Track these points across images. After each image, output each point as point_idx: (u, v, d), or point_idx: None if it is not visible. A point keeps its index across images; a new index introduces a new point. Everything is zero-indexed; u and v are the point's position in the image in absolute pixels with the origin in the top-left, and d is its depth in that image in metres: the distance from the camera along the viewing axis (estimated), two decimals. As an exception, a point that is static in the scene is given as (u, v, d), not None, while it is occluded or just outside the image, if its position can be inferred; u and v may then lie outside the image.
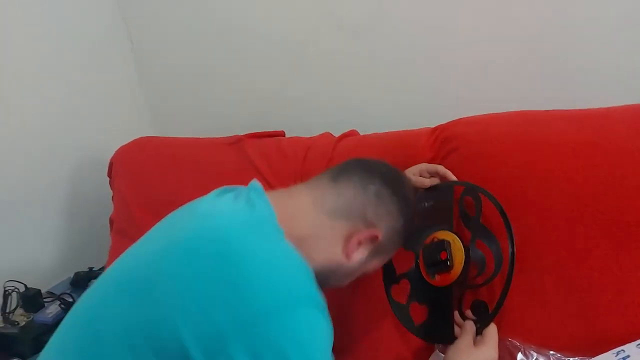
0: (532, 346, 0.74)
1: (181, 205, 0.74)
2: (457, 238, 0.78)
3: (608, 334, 0.72)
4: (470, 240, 0.78)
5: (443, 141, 0.92)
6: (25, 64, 1.22)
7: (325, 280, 0.61)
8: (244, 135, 1.18)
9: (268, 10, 1.28)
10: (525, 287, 0.78)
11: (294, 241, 0.59)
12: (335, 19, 1.20)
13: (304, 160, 1.05)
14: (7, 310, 1.12)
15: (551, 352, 0.72)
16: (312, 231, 0.65)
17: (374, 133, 1.04)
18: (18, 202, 1.20)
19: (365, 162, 0.73)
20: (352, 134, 1.10)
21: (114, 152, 1.26)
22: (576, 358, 0.70)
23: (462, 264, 0.76)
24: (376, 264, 0.72)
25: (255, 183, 0.71)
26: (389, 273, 0.86)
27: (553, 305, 0.76)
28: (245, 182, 1.04)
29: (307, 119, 1.30)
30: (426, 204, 0.85)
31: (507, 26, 1.05)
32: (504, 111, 0.92)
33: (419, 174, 0.86)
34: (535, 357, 0.72)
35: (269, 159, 1.09)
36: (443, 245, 0.78)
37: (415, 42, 1.14)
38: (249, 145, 1.13)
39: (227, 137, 1.20)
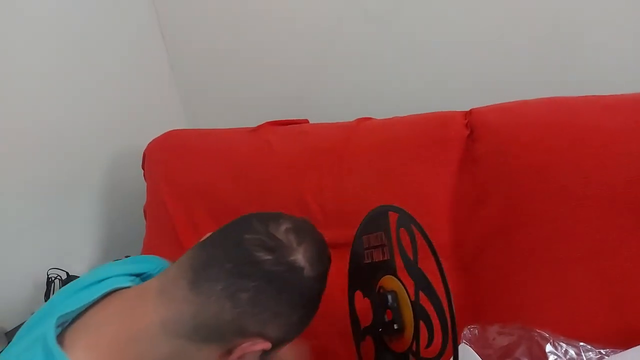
0: (562, 337, 0.72)
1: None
2: (402, 287, 0.66)
3: (643, 325, 0.69)
4: (415, 293, 0.64)
5: (474, 126, 0.91)
6: (64, 58, 1.26)
7: None
8: (266, 122, 1.20)
9: (291, 2, 1.28)
10: (555, 278, 0.77)
11: None
12: (361, 6, 1.18)
13: (325, 140, 1.05)
14: (50, 296, 1.19)
15: (581, 343, 0.70)
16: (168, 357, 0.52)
17: (404, 115, 1.03)
18: (58, 193, 1.26)
19: (238, 250, 0.53)
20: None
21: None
22: (607, 349, 0.68)
23: (412, 327, 0.63)
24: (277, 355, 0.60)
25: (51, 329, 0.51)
26: (355, 326, 0.77)
27: (584, 296, 0.74)
28: (260, 164, 1.09)
29: (336, 108, 1.30)
30: (368, 235, 0.75)
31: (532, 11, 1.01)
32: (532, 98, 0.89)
33: None
34: (564, 349, 0.71)
35: (288, 142, 1.10)
36: (387, 300, 0.66)
37: (439, 28, 1.12)
38: (268, 131, 1.15)
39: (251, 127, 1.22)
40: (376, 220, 0.74)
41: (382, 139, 0.98)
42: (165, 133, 1.34)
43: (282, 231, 0.55)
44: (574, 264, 0.75)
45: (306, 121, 1.22)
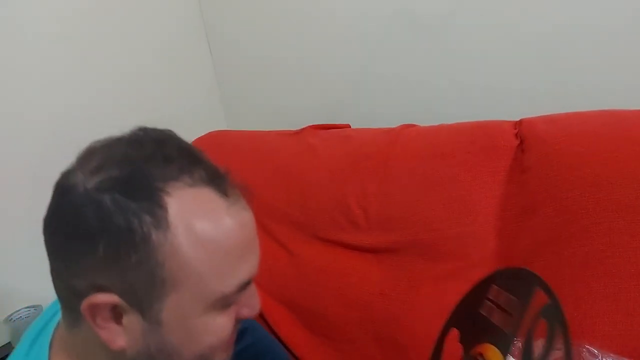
0: (611, 354, 0.70)
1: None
2: None
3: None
4: None
5: (524, 136, 0.90)
6: (110, 59, 1.31)
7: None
8: (308, 126, 1.21)
9: (343, 5, 1.29)
10: (608, 292, 0.74)
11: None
12: (408, 14, 1.19)
13: (369, 145, 1.05)
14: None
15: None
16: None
17: (451, 123, 1.02)
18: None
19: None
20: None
21: (189, 144, 1.33)
22: (662, 369, 0.66)
23: None
24: (180, 300, 0.41)
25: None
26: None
27: (637, 312, 0.72)
28: (302, 167, 1.09)
29: (377, 115, 1.31)
30: (500, 289, 0.63)
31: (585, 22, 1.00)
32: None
33: None
34: (615, 366, 0.69)
35: (331, 146, 1.11)
36: None
37: (485, 40, 1.11)
38: (311, 134, 1.17)
39: (293, 130, 1.24)
40: (518, 281, 0.62)
41: (427, 145, 0.97)
42: (207, 134, 1.38)
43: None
44: (629, 278, 0.73)
45: (348, 126, 1.23)
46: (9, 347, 1.16)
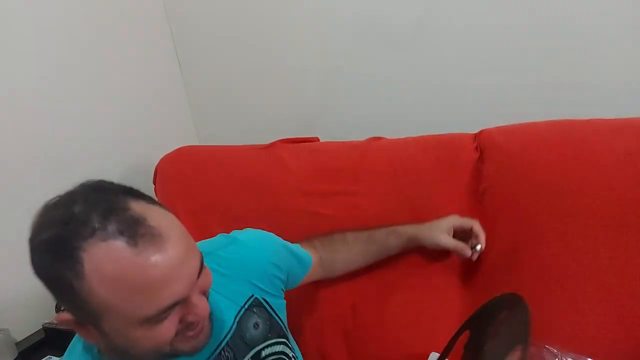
0: (571, 354, 0.73)
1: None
2: None
3: (650, 342, 0.71)
4: None
5: (484, 148, 0.94)
6: (76, 74, 1.29)
7: (132, 357, 0.57)
8: (278, 140, 1.23)
9: (311, 20, 1.32)
10: (564, 295, 0.79)
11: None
12: (376, 28, 1.23)
13: (338, 159, 1.08)
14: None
15: (589, 359, 0.71)
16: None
17: (414, 136, 1.05)
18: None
19: None
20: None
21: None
22: (615, 366, 0.69)
23: None
24: (111, 324, 0.53)
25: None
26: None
27: (593, 312, 0.76)
28: (274, 182, 1.11)
29: (345, 127, 1.34)
30: (500, 314, 0.71)
31: (541, 34, 1.05)
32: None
33: (451, 231, 0.86)
34: (573, 364, 0.72)
35: (301, 160, 1.13)
36: None
37: (451, 50, 1.16)
38: (281, 149, 1.18)
39: (264, 144, 1.25)
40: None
41: (395, 160, 1.01)
42: (177, 149, 1.37)
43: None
44: (583, 280, 0.77)
45: (317, 139, 1.25)
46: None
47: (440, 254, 0.92)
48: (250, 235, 0.82)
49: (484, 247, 0.85)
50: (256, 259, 0.77)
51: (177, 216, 0.59)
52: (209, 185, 1.23)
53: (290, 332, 0.91)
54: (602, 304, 0.75)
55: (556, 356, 0.75)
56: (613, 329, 0.74)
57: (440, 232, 0.86)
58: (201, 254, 0.58)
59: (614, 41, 0.99)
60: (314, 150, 1.15)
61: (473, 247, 0.86)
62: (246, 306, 0.73)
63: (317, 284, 1.00)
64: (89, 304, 0.50)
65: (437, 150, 0.96)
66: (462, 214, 0.92)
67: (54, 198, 0.54)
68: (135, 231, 0.50)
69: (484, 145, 0.93)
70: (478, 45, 1.12)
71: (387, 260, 0.96)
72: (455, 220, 0.87)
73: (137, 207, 0.53)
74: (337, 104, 1.36)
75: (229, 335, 0.69)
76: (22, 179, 1.18)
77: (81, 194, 0.53)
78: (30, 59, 1.20)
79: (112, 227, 0.50)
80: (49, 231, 0.51)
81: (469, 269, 0.91)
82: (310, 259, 0.89)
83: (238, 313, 0.71)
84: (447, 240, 0.86)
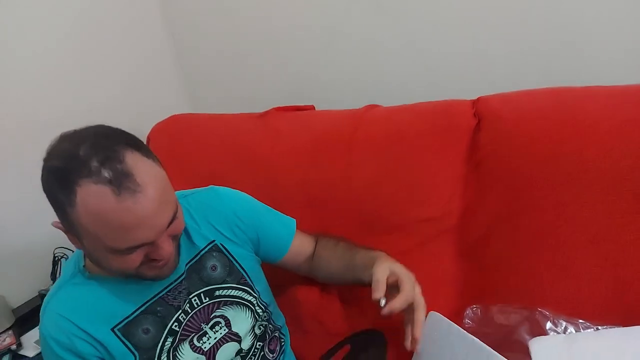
0: (563, 315, 0.75)
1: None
2: None
3: (641, 305, 0.73)
4: None
5: (482, 115, 0.93)
6: (67, 43, 1.27)
7: (100, 267, 0.73)
8: (273, 108, 1.21)
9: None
10: (559, 261, 0.80)
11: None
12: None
13: (333, 128, 1.06)
14: (57, 275, 1.20)
15: (581, 320, 0.73)
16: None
17: (412, 103, 1.04)
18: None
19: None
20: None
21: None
22: (605, 326, 0.71)
23: None
24: (88, 242, 0.67)
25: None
26: None
27: (587, 278, 0.77)
28: (268, 151, 1.10)
29: (341, 95, 1.32)
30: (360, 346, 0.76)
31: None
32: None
33: (387, 274, 0.73)
34: (564, 326, 0.74)
35: (296, 130, 1.11)
36: None
37: (447, 17, 1.14)
38: (276, 117, 1.17)
39: (258, 112, 1.23)
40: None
41: (390, 128, 0.99)
42: (169, 117, 1.35)
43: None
44: (578, 247, 0.78)
45: (312, 107, 1.24)
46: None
47: (435, 222, 0.93)
48: (226, 189, 0.91)
49: (392, 309, 0.71)
50: (222, 207, 0.86)
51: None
52: (201, 154, 1.21)
53: (289, 297, 0.93)
54: (596, 269, 0.76)
55: (548, 318, 0.77)
56: (606, 292, 0.75)
57: (386, 267, 0.75)
58: (177, 206, 0.69)
59: (615, 6, 0.98)
60: (309, 119, 1.14)
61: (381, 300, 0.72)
62: (206, 249, 0.83)
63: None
64: (75, 226, 0.64)
65: (434, 117, 0.95)
66: (458, 181, 0.92)
67: (70, 131, 0.66)
68: (122, 182, 0.61)
69: (482, 112, 0.92)
70: (476, 12, 1.09)
71: (380, 228, 0.96)
72: (405, 274, 0.75)
73: (131, 159, 0.63)
74: (333, 72, 1.34)
75: (185, 273, 0.80)
76: (17, 146, 1.18)
77: (90, 137, 0.64)
78: (22, 29, 1.17)
79: (104, 174, 0.61)
80: (57, 161, 0.64)
81: (464, 236, 0.91)
82: (293, 223, 0.94)
83: (198, 253, 0.82)
84: (379, 274, 0.74)
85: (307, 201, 1.03)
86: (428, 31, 1.16)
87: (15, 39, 1.16)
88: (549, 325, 0.76)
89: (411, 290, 0.73)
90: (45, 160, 0.65)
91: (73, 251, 1.25)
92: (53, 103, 1.24)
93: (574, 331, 0.73)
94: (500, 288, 0.85)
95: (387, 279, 0.74)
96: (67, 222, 0.65)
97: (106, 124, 0.69)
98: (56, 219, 0.68)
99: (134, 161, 0.63)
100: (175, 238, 0.72)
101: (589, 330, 0.72)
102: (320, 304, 0.99)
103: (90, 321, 0.73)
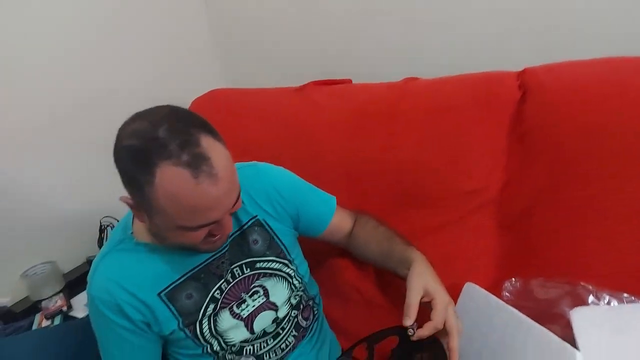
0: (606, 289, 0.75)
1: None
2: None
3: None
4: None
5: (527, 87, 0.91)
6: (99, 21, 1.30)
7: (162, 241, 0.77)
8: (310, 82, 1.21)
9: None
10: (603, 234, 0.79)
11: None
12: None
13: (373, 100, 1.06)
14: (104, 243, 1.26)
15: (625, 294, 0.72)
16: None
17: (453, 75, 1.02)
18: (107, 149, 1.32)
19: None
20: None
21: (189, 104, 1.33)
22: (651, 301, 0.70)
23: None
24: (160, 219, 0.69)
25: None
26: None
27: (630, 251, 0.77)
28: (308, 124, 1.11)
29: (378, 68, 1.30)
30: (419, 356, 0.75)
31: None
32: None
33: (420, 295, 0.74)
34: (607, 300, 0.73)
35: (336, 102, 1.11)
36: None
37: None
38: (314, 90, 1.17)
39: (296, 86, 1.24)
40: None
41: (432, 100, 0.98)
42: (208, 92, 1.37)
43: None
44: (623, 220, 0.77)
45: (349, 81, 1.23)
46: (27, 301, 1.21)
47: (476, 194, 0.92)
48: (268, 166, 0.92)
49: (420, 336, 0.71)
50: (263, 183, 0.88)
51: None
52: (241, 128, 1.23)
53: (328, 267, 0.94)
54: (640, 243, 0.75)
55: (591, 292, 0.76)
56: (651, 267, 0.75)
57: (420, 283, 0.76)
58: (240, 188, 0.71)
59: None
60: (348, 92, 1.14)
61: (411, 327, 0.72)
62: (249, 224, 0.85)
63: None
64: (149, 203, 0.66)
65: (477, 89, 0.94)
66: (501, 153, 0.91)
67: (143, 111, 0.68)
68: (199, 166, 0.63)
69: (527, 83, 0.90)
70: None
71: (420, 201, 0.96)
72: (439, 296, 0.74)
73: (206, 143, 0.65)
74: (369, 45, 1.32)
75: (228, 245, 0.84)
76: (66, 120, 1.23)
77: (167, 120, 0.65)
78: (57, 5, 1.21)
79: (184, 157, 0.63)
80: (136, 141, 0.64)
81: (506, 209, 0.91)
82: (333, 200, 0.94)
83: (241, 228, 0.85)
84: (411, 295, 0.74)
85: (347, 173, 1.04)
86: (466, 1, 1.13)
87: (53, 16, 1.19)
88: (591, 299, 0.75)
89: (441, 317, 0.72)
90: (121, 138, 0.66)
91: (118, 220, 1.32)
92: (93, 79, 1.28)
93: (617, 304, 0.72)
94: (541, 261, 0.84)
95: (421, 300, 0.74)
96: (142, 199, 0.66)
97: (173, 104, 0.70)
98: (119, 194, 0.69)
99: (209, 145, 0.64)
100: (233, 213, 0.75)
101: (634, 304, 0.71)
102: (358, 274, 1.01)
103: (137, 285, 0.77)
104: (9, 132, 1.14)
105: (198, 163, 0.63)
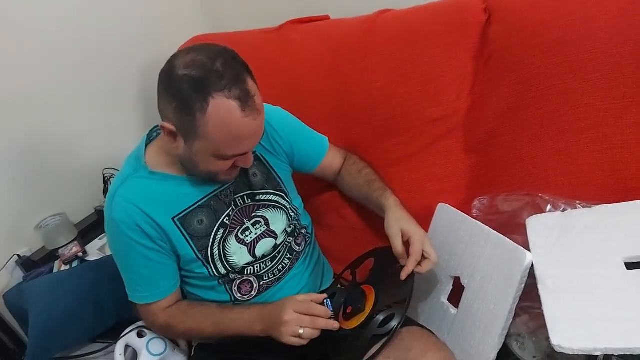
0: (561, 199, 0.81)
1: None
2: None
3: (638, 184, 0.78)
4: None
5: (492, 9, 0.93)
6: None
7: (190, 167, 0.83)
8: (288, 21, 1.23)
9: None
10: (561, 147, 0.84)
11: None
12: None
13: (347, 36, 1.08)
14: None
15: (578, 202, 0.79)
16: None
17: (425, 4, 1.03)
18: (106, 101, 1.38)
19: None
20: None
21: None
22: (602, 204, 0.76)
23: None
24: (200, 145, 0.76)
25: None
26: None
27: (586, 162, 0.82)
28: (286, 65, 1.14)
29: (355, 3, 1.30)
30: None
31: None
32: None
33: (400, 235, 0.83)
34: (562, 207, 0.80)
35: (311, 41, 1.14)
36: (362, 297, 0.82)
37: None
38: (291, 29, 1.19)
39: (274, 27, 1.25)
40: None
41: (403, 30, 1.01)
42: (192, 38, 1.39)
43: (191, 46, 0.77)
44: (579, 133, 0.82)
45: (327, 17, 1.24)
46: (44, 250, 1.31)
47: (444, 120, 0.97)
48: (266, 105, 0.95)
49: (407, 273, 0.80)
50: None
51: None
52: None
53: (318, 198, 1.03)
54: (596, 153, 0.80)
55: (549, 202, 0.83)
56: (604, 175, 0.80)
57: (397, 228, 0.84)
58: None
59: None
60: (324, 29, 1.16)
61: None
62: None
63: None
64: (197, 129, 0.73)
65: (445, 16, 0.96)
66: (467, 78, 0.94)
67: (196, 46, 0.75)
68: (247, 101, 0.72)
69: (492, 6, 0.92)
70: None
71: (394, 130, 1.02)
72: (414, 234, 0.82)
73: (251, 83, 0.74)
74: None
75: None
76: (58, 70, 1.26)
77: (223, 56, 0.73)
78: None
79: (235, 91, 0.71)
80: (194, 70, 0.71)
81: (472, 132, 0.96)
82: (325, 141, 1.02)
83: None
84: (395, 242, 0.83)
85: (326, 108, 1.08)
86: None
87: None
88: (549, 208, 0.82)
89: (419, 250, 0.80)
90: (176, 67, 0.72)
91: (119, 170, 1.39)
92: (82, 34, 1.30)
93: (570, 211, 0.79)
94: (506, 178, 0.90)
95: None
96: (190, 125, 0.73)
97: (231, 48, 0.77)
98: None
99: (252, 84, 0.74)
100: None
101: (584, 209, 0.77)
102: (342, 203, 1.09)
103: (153, 209, 0.83)
104: (12, 88, 1.19)
105: (246, 98, 0.72)
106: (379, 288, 0.83)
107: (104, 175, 1.35)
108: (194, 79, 0.71)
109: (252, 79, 0.75)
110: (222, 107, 0.71)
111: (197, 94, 0.71)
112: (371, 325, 0.78)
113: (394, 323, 0.75)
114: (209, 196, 0.88)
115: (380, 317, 0.78)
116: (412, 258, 0.80)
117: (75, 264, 1.27)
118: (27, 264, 1.27)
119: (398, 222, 0.85)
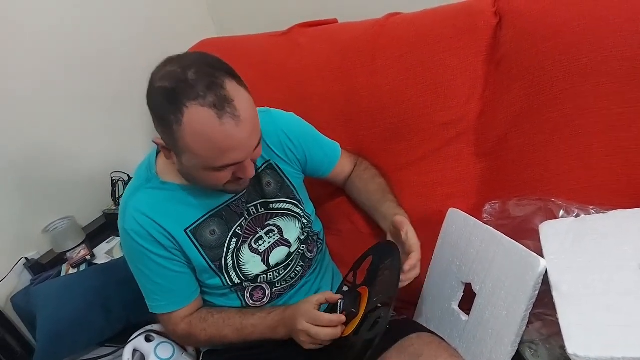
0: (575, 204, 0.80)
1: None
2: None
3: (651, 189, 0.76)
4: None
5: (503, 12, 0.92)
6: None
7: (192, 180, 0.82)
8: (296, 25, 1.22)
9: None
10: (574, 152, 0.83)
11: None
12: None
13: (355, 39, 1.07)
14: (117, 196, 1.34)
15: (591, 207, 0.78)
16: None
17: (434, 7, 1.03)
18: (112, 104, 1.39)
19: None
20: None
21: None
22: (616, 210, 0.75)
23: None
24: (188, 159, 0.73)
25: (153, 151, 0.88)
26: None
27: (599, 166, 0.81)
28: (295, 69, 1.14)
29: (364, 5, 1.30)
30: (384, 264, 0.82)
31: None
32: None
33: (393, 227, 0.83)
34: (576, 213, 0.79)
35: (319, 44, 1.13)
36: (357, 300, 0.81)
37: None
38: (299, 33, 1.18)
39: (282, 30, 1.25)
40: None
41: (412, 33, 1.00)
42: (199, 42, 1.39)
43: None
44: (592, 137, 0.81)
45: (335, 21, 1.24)
46: (51, 253, 1.31)
47: (454, 124, 0.96)
48: (279, 112, 0.96)
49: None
50: (275, 128, 0.92)
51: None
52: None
53: (328, 203, 1.03)
54: (609, 158, 0.79)
55: (561, 207, 0.81)
56: (617, 180, 0.79)
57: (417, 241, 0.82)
58: (261, 134, 0.76)
59: None
60: (331, 33, 1.15)
61: None
62: (262, 167, 0.90)
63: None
64: (178, 142, 0.71)
65: (455, 19, 0.95)
66: (478, 82, 0.94)
67: (176, 56, 0.72)
68: (224, 108, 0.68)
69: (503, 9, 0.91)
70: None
71: (403, 134, 1.01)
72: (410, 229, 0.82)
73: (231, 87, 0.69)
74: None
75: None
76: (66, 74, 1.28)
77: (196, 64, 0.69)
78: None
79: (210, 99, 0.67)
80: (167, 82, 0.69)
81: (483, 137, 0.95)
82: (337, 147, 1.02)
83: (256, 171, 0.86)
84: (416, 253, 0.80)
85: (335, 112, 1.08)
86: None
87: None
88: (561, 213, 0.81)
89: (418, 241, 0.80)
90: (153, 80, 0.70)
91: (128, 174, 1.40)
92: (91, 37, 1.31)
93: (584, 216, 0.78)
94: (518, 183, 0.89)
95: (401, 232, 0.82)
96: (171, 139, 0.71)
97: (207, 53, 0.74)
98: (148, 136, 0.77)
99: (233, 88, 0.69)
100: (255, 161, 0.79)
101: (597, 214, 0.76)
102: (351, 208, 1.09)
103: (166, 220, 0.82)
104: (20, 94, 1.19)
105: (222, 104, 0.67)
106: (371, 288, 0.82)
107: (112, 178, 1.35)
108: (167, 90, 0.68)
109: (236, 83, 0.70)
110: (196, 117, 0.67)
111: (171, 105, 0.68)
112: (362, 332, 0.76)
113: (380, 326, 0.72)
114: (221, 206, 0.86)
115: (371, 320, 0.75)
116: (416, 246, 0.78)
117: (83, 267, 1.28)
118: (35, 267, 1.28)
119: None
